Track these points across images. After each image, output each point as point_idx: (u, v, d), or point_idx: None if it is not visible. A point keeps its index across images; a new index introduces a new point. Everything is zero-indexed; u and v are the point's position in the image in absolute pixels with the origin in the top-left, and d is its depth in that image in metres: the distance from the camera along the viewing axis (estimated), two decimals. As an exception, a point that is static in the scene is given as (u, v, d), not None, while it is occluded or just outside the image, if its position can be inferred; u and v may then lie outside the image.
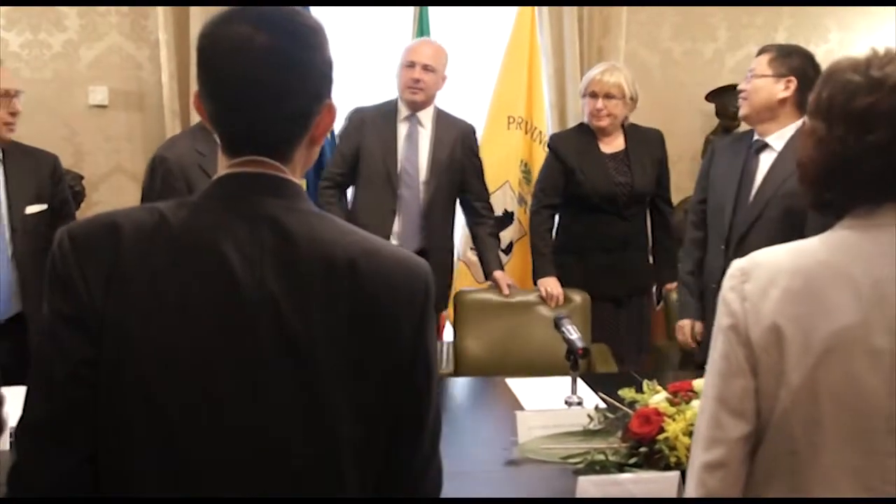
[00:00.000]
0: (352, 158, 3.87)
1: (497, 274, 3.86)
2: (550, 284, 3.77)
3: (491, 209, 4.07)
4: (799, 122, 3.09)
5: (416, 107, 3.85)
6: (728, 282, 1.40)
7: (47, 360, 1.18)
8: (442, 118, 3.93)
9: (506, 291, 3.78)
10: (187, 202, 1.25)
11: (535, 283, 3.88)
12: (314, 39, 1.25)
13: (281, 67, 1.21)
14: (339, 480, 1.22)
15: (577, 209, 3.88)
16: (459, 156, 3.90)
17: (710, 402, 1.38)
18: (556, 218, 3.97)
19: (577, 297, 3.76)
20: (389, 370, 1.24)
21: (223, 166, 1.26)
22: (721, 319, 1.39)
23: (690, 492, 1.40)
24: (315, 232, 1.23)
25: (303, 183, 1.33)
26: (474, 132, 4.05)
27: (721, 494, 1.36)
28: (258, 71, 1.20)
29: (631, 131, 3.92)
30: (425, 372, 1.28)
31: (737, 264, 1.41)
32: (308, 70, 1.24)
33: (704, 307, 3.34)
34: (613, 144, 3.88)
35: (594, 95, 3.76)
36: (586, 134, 3.88)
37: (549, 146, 4.04)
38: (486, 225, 4.01)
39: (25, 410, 1.19)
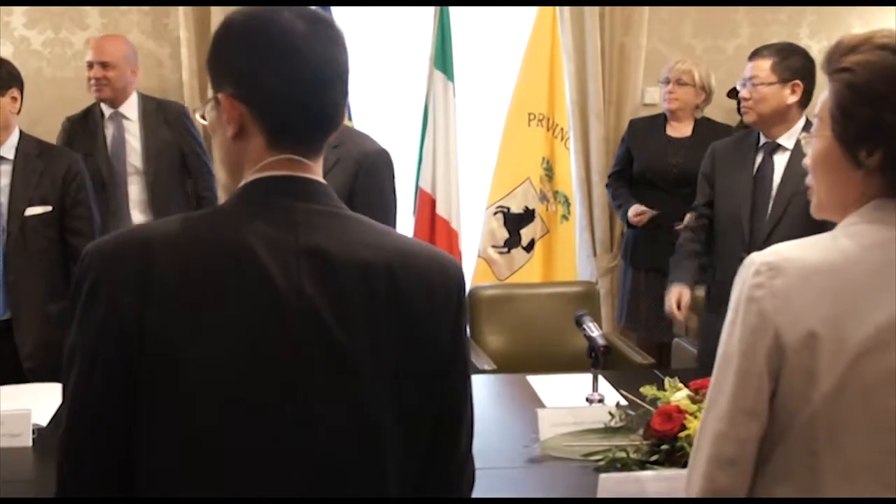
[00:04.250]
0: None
1: None
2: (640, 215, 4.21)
3: (215, 197, 3.94)
4: (803, 120, 3.08)
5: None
6: (754, 278, 1.32)
7: (81, 373, 1.16)
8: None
9: None
10: (218, 210, 1.23)
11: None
12: (343, 36, 1.27)
13: (339, 52, 1.23)
14: (382, 481, 1.21)
15: (636, 185, 4.28)
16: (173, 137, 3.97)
17: (725, 398, 1.33)
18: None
19: (583, 287, 4.05)
20: (430, 371, 1.24)
21: (256, 165, 1.22)
22: (746, 317, 1.32)
23: (695, 485, 1.36)
24: (349, 234, 1.22)
25: None
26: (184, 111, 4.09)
27: (730, 491, 1.34)
28: (328, 52, 1.21)
29: (701, 122, 4.29)
30: (463, 371, 1.28)
31: (761, 259, 1.33)
32: (348, 61, 1.26)
33: (713, 296, 3.23)
34: (681, 131, 4.26)
35: (668, 81, 4.23)
36: (659, 119, 4.33)
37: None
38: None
39: (64, 420, 1.18)
